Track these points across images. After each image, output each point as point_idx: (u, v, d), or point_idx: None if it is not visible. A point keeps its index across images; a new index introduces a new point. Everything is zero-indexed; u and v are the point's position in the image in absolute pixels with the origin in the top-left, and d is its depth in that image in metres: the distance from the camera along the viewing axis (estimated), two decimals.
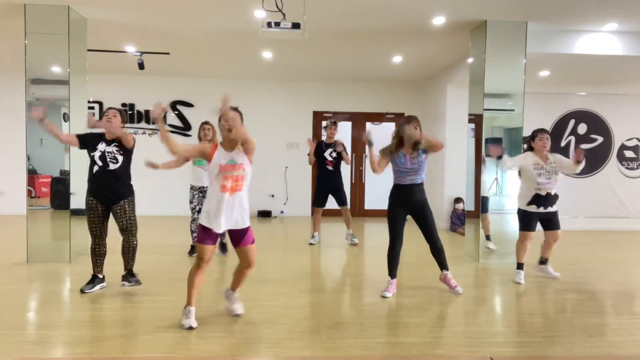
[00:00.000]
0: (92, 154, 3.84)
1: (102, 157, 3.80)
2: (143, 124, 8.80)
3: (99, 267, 4.04)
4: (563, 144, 8.14)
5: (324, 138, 6.29)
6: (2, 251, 5.46)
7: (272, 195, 9.09)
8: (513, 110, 5.31)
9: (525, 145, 4.71)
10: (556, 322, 3.40)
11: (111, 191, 3.86)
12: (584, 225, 8.02)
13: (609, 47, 5.61)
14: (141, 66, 6.91)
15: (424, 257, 4.20)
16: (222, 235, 5.29)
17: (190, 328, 3.10)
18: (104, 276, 4.11)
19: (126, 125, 9.40)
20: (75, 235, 5.12)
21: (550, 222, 4.47)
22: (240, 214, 3.13)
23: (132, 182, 4.02)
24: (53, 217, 5.28)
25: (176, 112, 8.86)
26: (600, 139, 8.21)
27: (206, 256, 3.12)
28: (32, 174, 6.11)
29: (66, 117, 5.05)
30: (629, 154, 8.26)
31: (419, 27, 5.48)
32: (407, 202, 3.96)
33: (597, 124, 8.19)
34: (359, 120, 9.28)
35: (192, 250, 5.38)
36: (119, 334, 3.02)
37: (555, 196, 4.39)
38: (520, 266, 4.52)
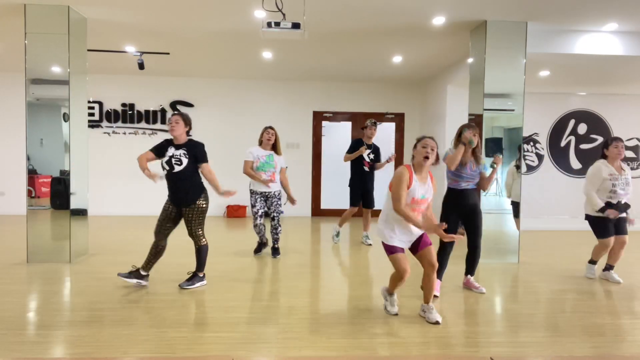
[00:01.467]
0: (162, 161, 3.96)
1: (169, 161, 3.92)
2: (143, 124, 8.81)
3: (148, 264, 4.08)
4: (563, 144, 8.15)
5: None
6: (2, 251, 5.46)
7: None
8: (513, 110, 5.31)
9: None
10: (556, 322, 3.40)
11: (180, 192, 3.93)
12: (584, 225, 7.99)
13: (609, 47, 5.61)
14: (141, 66, 6.91)
15: None
16: (275, 239, 5.38)
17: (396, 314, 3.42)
18: (147, 275, 4.11)
19: (127, 125, 9.43)
20: (75, 235, 5.13)
21: (618, 227, 4.46)
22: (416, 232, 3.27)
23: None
24: (53, 217, 5.28)
25: (176, 112, 8.85)
26: (600, 139, 8.21)
27: (404, 266, 3.25)
28: (32, 174, 6.13)
29: (66, 117, 5.05)
30: (629, 154, 8.27)
31: (419, 27, 5.49)
32: (462, 206, 4.00)
33: (597, 124, 8.19)
34: (359, 120, 9.27)
35: (259, 248, 5.47)
36: (119, 334, 3.02)
37: (626, 205, 4.40)
38: (593, 262, 4.61)
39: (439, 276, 4.11)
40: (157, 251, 4.09)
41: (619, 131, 8.18)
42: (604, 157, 4.49)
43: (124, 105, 8.77)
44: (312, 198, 9.23)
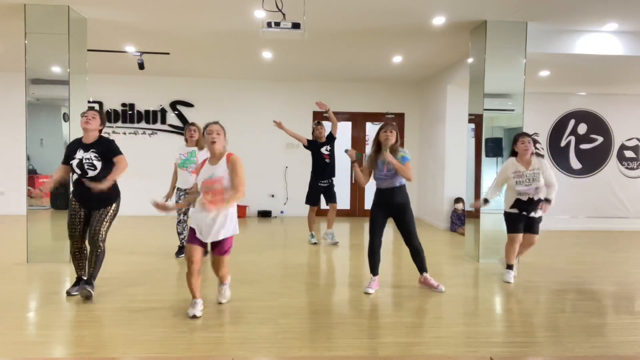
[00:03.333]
0: (70, 163, 3.69)
1: (80, 164, 3.65)
2: (143, 124, 8.81)
3: (82, 269, 3.85)
4: (563, 143, 8.15)
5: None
6: (2, 251, 5.46)
7: (272, 195, 9.09)
8: (513, 110, 5.31)
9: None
10: (556, 322, 3.40)
11: (93, 197, 3.63)
12: (584, 225, 8.02)
13: (609, 47, 5.61)
14: (141, 66, 6.91)
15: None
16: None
17: (194, 317, 3.29)
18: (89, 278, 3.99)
19: (127, 125, 9.41)
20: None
21: (530, 226, 4.44)
22: (220, 227, 3.26)
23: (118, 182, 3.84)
24: (53, 217, 5.28)
25: (176, 112, 8.86)
26: (600, 139, 8.21)
27: (192, 257, 3.27)
28: (32, 174, 6.10)
29: (66, 117, 5.05)
30: (629, 154, 8.26)
31: (419, 27, 5.48)
32: (387, 205, 4.04)
33: (597, 124, 8.19)
34: (359, 120, 9.28)
35: (180, 251, 5.29)
36: (119, 334, 3.02)
37: (539, 201, 4.35)
38: (509, 267, 4.55)
39: (374, 272, 4.13)
40: (79, 257, 3.84)
41: (619, 131, 8.18)
42: (515, 154, 4.47)
43: (124, 105, 8.76)
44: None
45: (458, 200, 7.55)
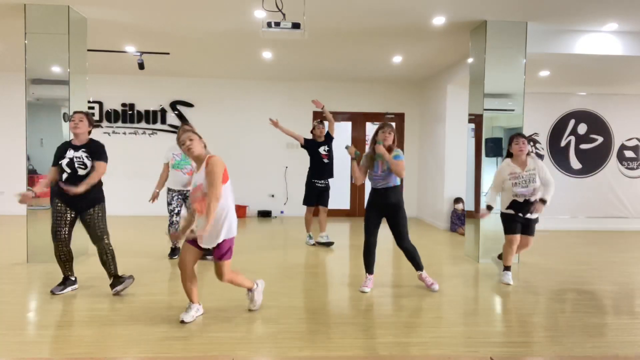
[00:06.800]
0: (59, 163, 3.71)
1: (70, 163, 3.69)
2: (143, 124, 8.81)
3: (68, 270, 3.94)
4: (563, 143, 8.15)
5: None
6: (2, 251, 5.46)
7: (272, 196, 9.08)
8: (513, 110, 5.31)
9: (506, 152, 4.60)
10: (556, 322, 3.40)
11: (81, 197, 3.66)
12: (584, 225, 8.03)
13: (609, 47, 5.61)
14: (141, 66, 6.91)
15: (424, 257, 4.21)
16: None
17: (182, 322, 3.21)
18: (75, 278, 4.03)
19: (127, 125, 9.40)
20: (75, 235, 5.10)
21: (526, 227, 4.45)
22: (210, 233, 3.09)
23: (107, 182, 3.85)
24: None
25: (176, 112, 8.86)
26: (600, 139, 8.21)
27: (181, 261, 3.20)
28: (32, 174, 6.10)
29: (66, 117, 5.05)
30: (629, 154, 8.26)
31: (419, 27, 5.49)
32: (381, 204, 4.05)
33: (597, 124, 8.19)
34: (359, 120, 9.28)
35: (173, 252, 5.27)
36: (118, 334, 3.02)
37: (535, 202, 4.34)
38: (507, 268, 4.51)
39: (369, 270, 4.13)
40: (67, 258, 3.89)
41: (619, 131, 8.18)
42: (510, 155, 4.45)
43: (124, 105, 8.77)
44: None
45: (458, 200, 7.55)
